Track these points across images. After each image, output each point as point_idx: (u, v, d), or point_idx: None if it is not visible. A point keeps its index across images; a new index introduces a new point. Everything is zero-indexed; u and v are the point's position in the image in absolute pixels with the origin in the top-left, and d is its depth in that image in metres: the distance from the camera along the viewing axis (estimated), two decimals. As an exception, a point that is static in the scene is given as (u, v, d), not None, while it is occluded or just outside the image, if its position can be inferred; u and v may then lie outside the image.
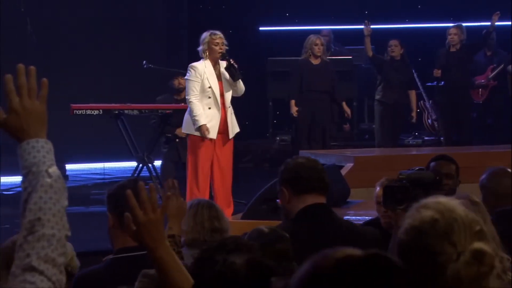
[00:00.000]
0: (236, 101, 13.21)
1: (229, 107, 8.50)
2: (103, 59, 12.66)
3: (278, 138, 13.11)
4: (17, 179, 11.14)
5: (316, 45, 10.76)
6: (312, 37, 10.86)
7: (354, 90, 12.81)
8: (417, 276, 1.99)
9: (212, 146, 8.39)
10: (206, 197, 8.03)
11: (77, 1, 12.71)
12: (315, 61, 10.84)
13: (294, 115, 10.82)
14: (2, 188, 10.82)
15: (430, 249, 2.02)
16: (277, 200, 4.19)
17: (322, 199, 4.05)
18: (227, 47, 8.45)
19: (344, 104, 11.00)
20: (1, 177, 11.40)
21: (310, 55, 10.77)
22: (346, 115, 11.04)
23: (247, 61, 13.42)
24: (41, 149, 2.21)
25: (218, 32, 8.46)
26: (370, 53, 11.29)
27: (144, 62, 10.23)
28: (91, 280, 3.79)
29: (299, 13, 13.91)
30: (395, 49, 11.31)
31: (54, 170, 2.20)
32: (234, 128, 8.51)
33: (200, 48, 8.53)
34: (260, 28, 14.10)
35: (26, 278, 2.09)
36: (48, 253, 2.12)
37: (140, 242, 2.60)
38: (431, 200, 2.12)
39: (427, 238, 2.04)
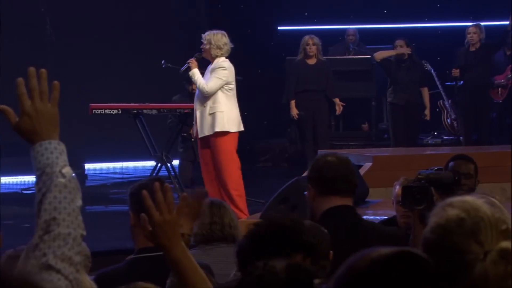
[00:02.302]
0: (254, 101, 13.23)
1: (202, 107, 8.37)
2: (122, 58, 12.69)
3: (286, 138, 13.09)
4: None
5: (308, 45, 10.80)
6: (305, 37, 10.92)
7: (373, 89, 12.78)
8: (443, 274, 1.99)
9: (200, 147, 8.49)
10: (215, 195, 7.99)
11: (96, 1, 12.74)
12: (311, 61, 10.86)
13: (294, 117, 10.81)
14: (21, 187, 10.89)
15: (456, 248, 2.02)
16: (305, 193, 4.15)
17: (347, 201, 4.00)
18: (204, 46, 8.38)
19: (337, 100, 10.91)
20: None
21: (305, 56, 10.84)
22: (337, 111, 10.95)
23: (265, 61, 13.44)
24: (54, 150, 2.22)
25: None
26: (379, 58, 11.29)
27: (163, 61, 10.23)
28: (111, 278, 3.81)
29: (318, 12, 13.88)
30: (400, 49, 11.27)
31: (67, 170, 2.21)
32: (203, 128, 8.36)
33: None
34: (279, 28, 14.09)
35: (43, 277, 2.11)
36: (65, 252, 2.13)
37: (156, 242, 2.60)
38: (457, 199, 2.12)
39: (454, 236, 2.03)
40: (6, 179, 11.50)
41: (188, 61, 8.52)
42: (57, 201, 2.17)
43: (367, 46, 13.05)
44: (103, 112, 9.68)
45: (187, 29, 13.71)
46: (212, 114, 8.30)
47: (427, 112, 11.32)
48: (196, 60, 8.56)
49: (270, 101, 12.98)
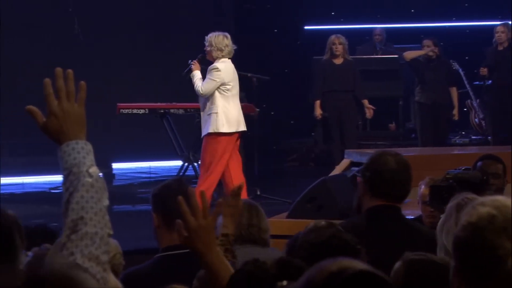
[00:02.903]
0: (281, 101, 13.22)
1: (202, 108, 8.46)
2: (149, 58, 12.73)
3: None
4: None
5: (334, 44, 10.76)
6: (331, 37, 10.88)
7: (400, 89, 12.74)
8: (475, 272, 1.99)
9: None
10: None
11: (124, 1, 12.80)
12: (338, 61, 10.83)
13: (317, 117, 10.79)
14: (49, 186, 10.96)
15: (488, 244, 2.02)
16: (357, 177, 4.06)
17: (396, 204, 3.94)
18: (206, 48, 8.45)
19: (365, 102, 10.87)
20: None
21: (331, 55, 10.81)
22: (367, 114, 10.91)
23: (292, 60, 13.43)
24: (81, 150, 2.23)
25: None
26: (409, 58, 11.24)
27: (190, 61, 10.25)
28: (139, 277, 3.83)
29: (344, 12, 13.86)
30: (428, 49, 11.21)
31: (94, 170, 2.22)
32: (203, 128, 8.45)
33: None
34: (305, 27, 14.08)
35: (71, 276, 2.11)
36: (92, 251, 2.14)
37: (191, 247, 2.61)
38: (487, 198, 2.13)
39: (485, 233, 2.04)
40: (34, 179, 11.59)
41: (191, 62, 8.55)
42: (84, 200, 2.18)
43: (395, 46, 13.01)
44: (130, 112, 9.72)
45: (213, 29, 13.73)
46: (209, 115, 8.34)
47: (455, 112, 11.26)
48: (199, 62, 8.57)
49: (297, 101, 12.97)
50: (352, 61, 10.98)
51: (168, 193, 3.91)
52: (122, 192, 10.41)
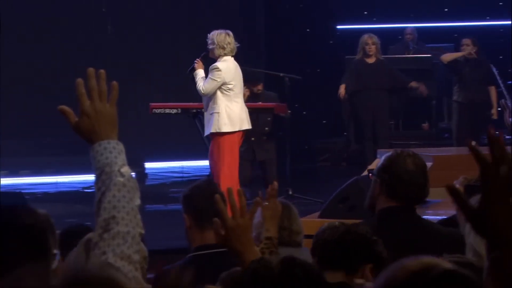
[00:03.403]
0: (313, 100, 13.19)
1: (205, 107, 8.52)
2: (182, 58, 12.75)
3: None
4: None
5: (367, 44, 10.74)
6: (364, 36, 10.85)
7: (433, 88, 12.65)
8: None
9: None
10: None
11: (157, 1, 12.84)
12: (370, 60, 10.80)
13: (341, 96, 10.82)
14: (83, 185, 11.03)
15: None
16: (370, 174, 4.05)
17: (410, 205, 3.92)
18: (208, 46, 8.49)
19: (413, 83, 10.89)
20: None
21: (364, 55, 10.79)
22: (420, 89, 10.90)
23: (324, 60, 13.39)
24: (112, 150, 2.24)
25: None
26: (447, 61, 11.18)
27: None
28: (171, 277, 3.83)
29: (377, 11, 13.80)
30: (467, 48, 11.14)
31: (126, 169, 2.22)
32: (205, 127, 8.51)
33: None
34: (338, 27, 14.04)
35: (103, 275, 2.12)
36: (124, 250, 2.14)
37: (229, 246, 2.61)
38: None
39: None
40: (68, 178, 11.67)
41: (195, 61, 8.58)
42: (116, 199, 2.18)
43: (427, 45, 12.93)
44: (163, 112, 9.74)
45: (246, 28, 13.74)
46: (211, 115, 8.39)
47: (494, 111, 11.18)
48: (202, 60, 8.59)
49: (329, 100, 12.93)
50: (384, 61, 10.95)
51: (198, 194, 3.93)
52: (154, 191, 10.44)
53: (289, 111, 9.97)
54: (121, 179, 2.20)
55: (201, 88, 8.38)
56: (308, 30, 13.62)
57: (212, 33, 8.45)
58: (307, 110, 13.26)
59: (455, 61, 11.21)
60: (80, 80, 2.27)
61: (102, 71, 2.29)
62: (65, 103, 2.36)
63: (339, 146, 13.28)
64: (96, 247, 2.16)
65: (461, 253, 3.33)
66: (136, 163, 11.30)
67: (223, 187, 8.37)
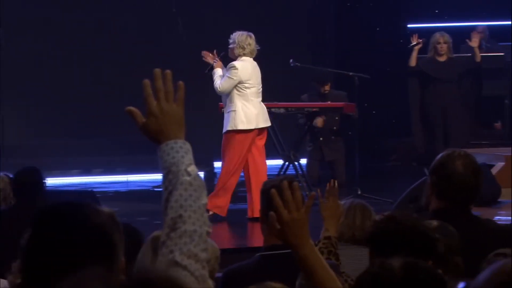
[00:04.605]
0: (383, 99, 13.09)
1: (224, 108, 8.70)
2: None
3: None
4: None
5: (439, 43, 10.64)
6: (435, 35, 10.74)
7: (505, 87, 12.46)
8: None
9: None
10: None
11: (226, 1, 12.89)
12: (441, 59, 10.68)
13: (412, 63, 10.78)
14: (153, 184, 11.14)
15: None
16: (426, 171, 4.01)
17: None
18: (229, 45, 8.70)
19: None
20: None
21: (435, 53, 10.68)
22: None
23: (394, 59, 13.28)
24: (179, 149, 2.25)
25: None
26: None
27: (291, 60, 10.27)
28: (239, 275, 3.85)
29: (448, 9, 13.63)
30: None
31: (192, 168, 2.24)
32: (224, 126, 8.70)
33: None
34: (408, 25, 13.91)
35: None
36: (191, 249, 2.16)
37: (284, 240, 2.61)
38: None
39: None
40: (138, 177, 11.79)
41: (214, 60, 8.68)
42: (183, 199, 2.20)
43: (500, 43, 12.74)
44: (232, 111, 9.78)
45: (315, 27, 13.71)
46: (228, 113, 8.59)
47: None
48: (221, 59, 8.75)
49: (399, 99, 12.82)
50: (456, 59, 10.82)
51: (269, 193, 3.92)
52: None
53: (357, 111, 9.93)
54: (188, 178, 2.21)
55: (217, 86, 8.59)
56: (378, 29, 13.53)
57: (235, 33, 8.70)
58: (376, 110, 13.18)
59: None
60: (146, 81, 2.29)
61: (168, 71, 2.31)
62: (133, 103, 2.39)
63: (409, 146, 13.16)
64: (164, 246, 2.17)
65: None
66: (205, 163, 11.38)
67: (221, 182, 8.62)
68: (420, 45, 10.85)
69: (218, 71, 8.68)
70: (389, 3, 13.47)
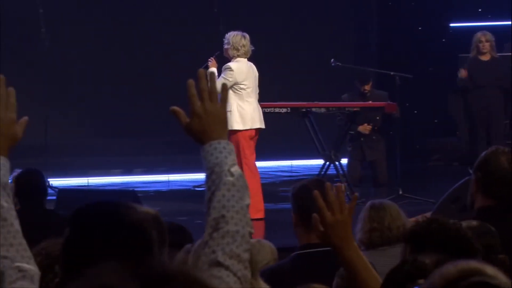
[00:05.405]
0: (425, 99, 13.00)
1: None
2: (291, 57, 12.78)
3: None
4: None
5: (481, 42, 10.54)
6: (477, 34, 10.64)
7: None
8: None
9: None
10: None
11: (266, 1, 12.89)
12: (484, 58, 10.58)
13: (461, 75, 10.61)
14: (194, 184, 11.17)
15: None
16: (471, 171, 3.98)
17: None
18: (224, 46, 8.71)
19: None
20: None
21: (477, 52, 10.58)
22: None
23: (436, 58, 13.19)
24: (223, 150, 2.26)
25: None
26: None
27: (332, 60, 10.24)
28: (277, 274, 3.87)
29: (492, 8, 13.50)
30: None
31: (236, 169, 2.24)
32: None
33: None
34: (451, 25, 13.81)
35: (212, 273, 2.15)
36: (233, 249, 2.16)
37: (328, 242, 2.60)
38: None
39: None
40: (179, 176, 11.84)
41: (209, 59, 8.68)
42: (226, 199, 2.20)
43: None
44: (272, 111, 9.79)
45: (357, 27, 13.67)
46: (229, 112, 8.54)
47: None
48: (215, 59, 8.77)
49: (442, 99, 12.74)
50: (499, 59, 10.71)
51: (305, 193, 3.93)
52: (264, 190, 10.48)
53: (398, 110, 9.89)
54: (231, 179, 2.22)
55: None
56: (420, 28, 13.45)
57: (229, 33, 8.70)
58: (418, 109, 13.10)
59: None
60: (191, 81, 2.30)
61: (212, 72, 2.32)
62: (176, 103, 2.39)
63: (451, 145, 13.07)
64: (206, 246, 2.18)
65: None
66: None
67: None
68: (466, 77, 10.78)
69: (212, 71, 8.72)
70: (432, 2, 13.38)
